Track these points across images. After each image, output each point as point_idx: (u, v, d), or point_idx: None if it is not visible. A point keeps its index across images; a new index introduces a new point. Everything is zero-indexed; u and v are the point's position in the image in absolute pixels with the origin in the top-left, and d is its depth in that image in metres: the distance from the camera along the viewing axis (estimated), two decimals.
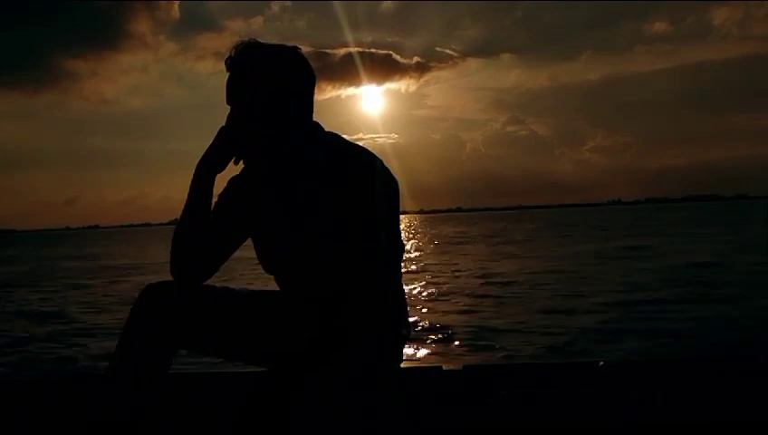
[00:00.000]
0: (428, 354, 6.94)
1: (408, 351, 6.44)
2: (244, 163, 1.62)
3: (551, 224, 55.59)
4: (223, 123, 1.62)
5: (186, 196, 1.57)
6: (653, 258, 17.39)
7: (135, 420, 1.46)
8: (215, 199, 1.60)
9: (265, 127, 1.59)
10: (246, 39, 1.61)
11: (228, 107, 1.61)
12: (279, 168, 1.59)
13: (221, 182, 1.61)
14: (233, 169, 1.62)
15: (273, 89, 1.57)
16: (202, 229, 1.56)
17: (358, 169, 1.55)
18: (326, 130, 1.65)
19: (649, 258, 17.47)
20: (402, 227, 1.69)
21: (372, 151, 1.61)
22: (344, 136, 1.65)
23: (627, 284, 12.17)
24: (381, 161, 1.60)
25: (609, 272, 14.38)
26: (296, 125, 1.60)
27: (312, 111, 1.64)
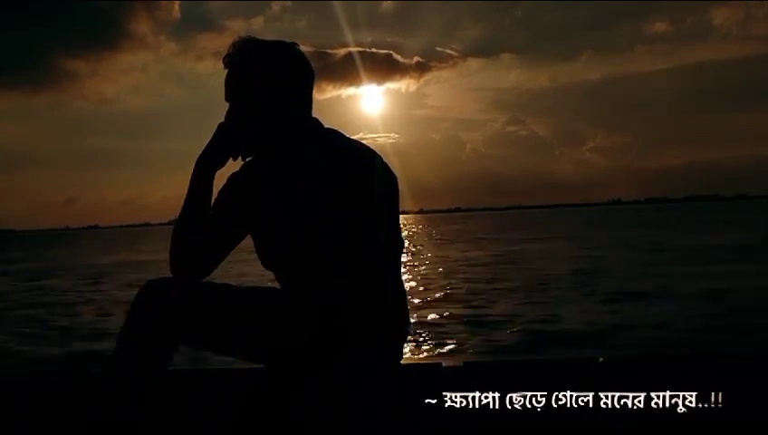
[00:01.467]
0: None
1: None
2: (243, 160, 1.62)
3: (529, 225, 54.91)
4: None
5: (185, 193, 1.57)
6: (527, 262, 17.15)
7: (135, 419, 1.46)
8: (214, 196, 1.59)
9: (264, 124, 1.58)
10: (245, 36, 1.60)
11: (227, 104, 1.60)
12: (278, 166, 1.58)
13: (221, 179, 1.60)
14: (233, 166, 1.62)
15: (271, 86, 1.57)
16: (201, 226, 1.55)
17: (358, 168, 1.55)
18: (326, 126, 1.64)
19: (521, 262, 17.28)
20: None
21: (372, 148, 1.61)
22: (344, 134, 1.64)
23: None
24: (381, 158, 1.60)
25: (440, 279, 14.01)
26: (295, 122, 1.60)
27: (311, 109, 1.64)
